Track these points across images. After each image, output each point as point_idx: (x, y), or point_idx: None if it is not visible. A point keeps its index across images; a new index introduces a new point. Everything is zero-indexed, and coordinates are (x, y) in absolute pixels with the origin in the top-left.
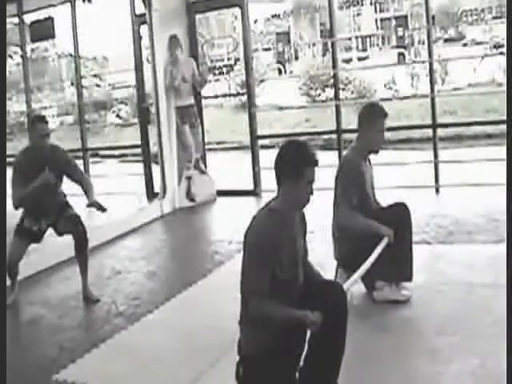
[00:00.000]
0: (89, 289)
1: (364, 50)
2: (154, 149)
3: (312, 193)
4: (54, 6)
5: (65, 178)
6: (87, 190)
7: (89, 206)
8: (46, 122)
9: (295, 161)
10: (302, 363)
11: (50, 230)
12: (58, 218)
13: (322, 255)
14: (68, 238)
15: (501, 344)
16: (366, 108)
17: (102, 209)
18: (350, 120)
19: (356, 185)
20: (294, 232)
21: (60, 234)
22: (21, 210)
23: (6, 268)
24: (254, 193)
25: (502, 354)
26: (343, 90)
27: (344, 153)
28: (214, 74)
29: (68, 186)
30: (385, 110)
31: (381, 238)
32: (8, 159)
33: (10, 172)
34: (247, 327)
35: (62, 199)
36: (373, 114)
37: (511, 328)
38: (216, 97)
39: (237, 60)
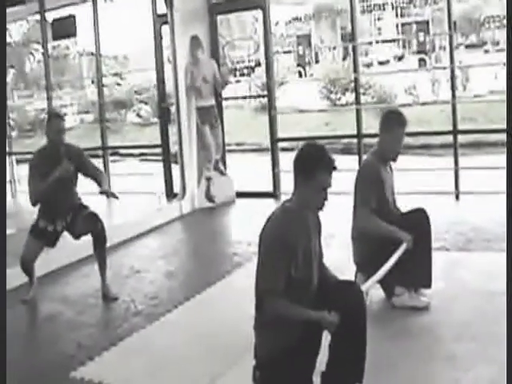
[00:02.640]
0: (108, 287)
1: (399, 59)
2: (173, 148)
3: (326, 198)
4: (75, 4)
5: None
6: (101, 180)
7: (101, 192)
8: (62, 119)
9: (310, 163)
10: (325, 367)
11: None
12: (75, 219)
13: (341, 259)
14: (86, 237)
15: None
16: (385, 114)
17: (113, 196)
18: (370, 124)
19: (375, 189)
20: (308, 231)
21: (77, 236)
22: (35, 211)
23: (21, 268)
24: (274, 195)
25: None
26: (364, 94)
27: (364, 157)
28: (235, 76)
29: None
30: (404, 118)
31: (400, 243)
32: (28, 156)
33: (26, 169)
34: (262, 331)
35: (78, 200)
36: (390, 121)
37: (511, 331)
38: (236, 98)
39: (257, 62)
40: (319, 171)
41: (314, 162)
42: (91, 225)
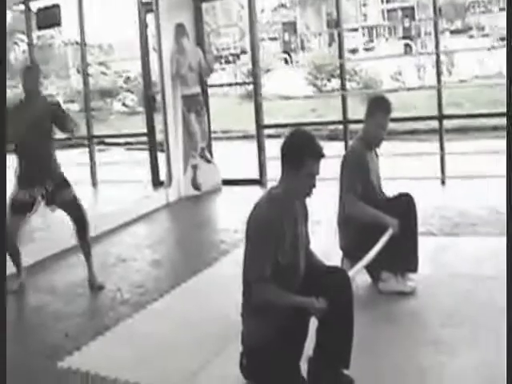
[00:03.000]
0: (94, 275)
1: (370, 40)
2: (159, 137)
3: (314, 186)
4: None
5: None
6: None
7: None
8: (39, 68)
9: (298, 150)
10: (312, 353)
11: (55, 219)
12: (56, 193)
13: (327, 245)
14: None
15: (505, 336)
16: (371, 101)
17: (75, 125)
18: (356, 111)
19: (361, 174)
20: (295, 217)
21: (50, 204)
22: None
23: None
24: (260, 182)
25: (505, 347)
26: (349, 80)
27: (350, 143)
28: (220, 63)
29: None
30: (389, 105)
31: (386, 229)
32: None
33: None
34: (249, 318)
35: (59, 169)
36: (375, 108)
37: (511, 324)
38: (222, 86)
39: (243, 49)
40: (307, 158)
41: (302, 149)
42: (74, 211)
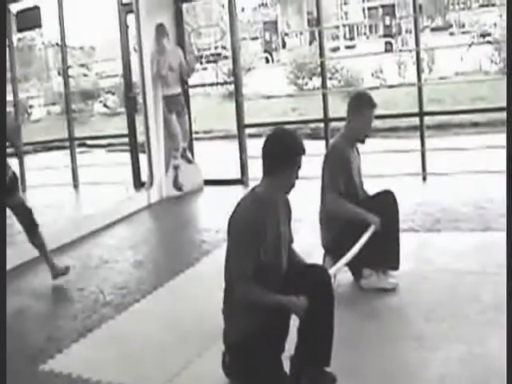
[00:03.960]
0: (53, 263)
1: (351, 38)
2: (141, 138)
3: (297, 177)
4: None
5: None
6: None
7: None
8: None
9: (288, 150)
10: (293, 351)
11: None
12: (7, 195)
13: (309, 243)
14: (54, 229)
15: (488, 331)
16: (354, 97)
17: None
18: (337, 109)
19: (343, 172)
20: (277, 216)
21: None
22: None
23: None
24: (242, 182)
25: (488, 341)
26: (330, 78)
27: (331, 141)
28: (201, 63)
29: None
30: (373, 100)
31: (368, 226)
32: None
33: None
34: (231, 315)
35: (11, 174)
36: (361, 103)
37: (511, 324)
38: (203, 86)
39: (224, 49)
40: (297, 156)
41: (292, 148)
42: (21, 214)
